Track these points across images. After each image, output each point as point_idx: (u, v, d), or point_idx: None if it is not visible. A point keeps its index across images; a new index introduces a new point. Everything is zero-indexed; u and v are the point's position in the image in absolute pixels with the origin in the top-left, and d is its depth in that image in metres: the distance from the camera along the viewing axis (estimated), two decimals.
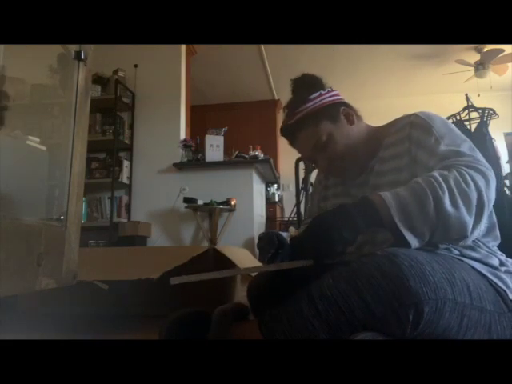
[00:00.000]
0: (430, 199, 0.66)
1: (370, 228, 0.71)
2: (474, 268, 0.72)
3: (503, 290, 0.71)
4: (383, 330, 0.63)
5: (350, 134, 0.91)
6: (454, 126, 0.84)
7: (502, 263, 0.78)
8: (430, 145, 0.79)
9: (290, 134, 0.94)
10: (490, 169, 0.72)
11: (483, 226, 0.69)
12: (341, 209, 0.71)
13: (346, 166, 0.92)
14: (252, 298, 0.98)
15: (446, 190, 0.66)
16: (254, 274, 1.06)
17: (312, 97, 0.91)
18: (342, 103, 0.94)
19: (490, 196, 0.69)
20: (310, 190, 3.85)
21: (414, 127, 0.83)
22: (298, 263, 0.74)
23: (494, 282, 0.72)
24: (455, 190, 0.66)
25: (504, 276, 0.74)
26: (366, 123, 0.97)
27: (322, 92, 0.92)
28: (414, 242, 0.67)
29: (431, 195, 0.66)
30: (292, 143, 0.96)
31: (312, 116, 0.90)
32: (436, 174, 0.69)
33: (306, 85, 0.95)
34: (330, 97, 0.93)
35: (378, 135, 0.92)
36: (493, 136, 3.40)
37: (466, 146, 0.77)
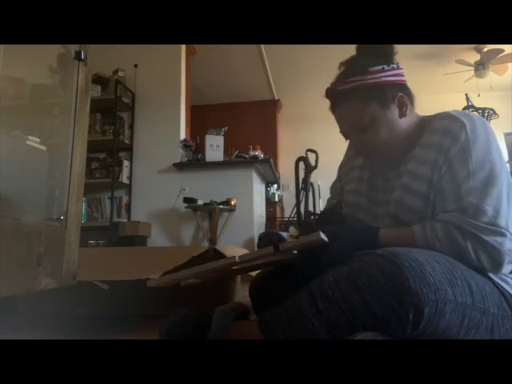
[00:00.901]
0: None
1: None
2: (477, 268, 0.72)
3: (508, 292, 0.71)
4: (383, 329, 0.63)
5: (394, 127, 0.83)
6: (495, 149, 0.76)
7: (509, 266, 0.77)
8: (458, 179, 0.75)
9: (335, 99, 0.86)
10: (502, 234, 0.70)
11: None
12: (367, 233, 0.78)
13: (377, 156, 0.87)
14: (254, 296, 0.98)
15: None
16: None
17: (372, 69, 0.82)
18: (402, 86, 0.86)
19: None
20: (310, 190, 3.84)
21: (455, 142, 0.76)
22: (262, 251, 0.75)
23: (500, 285, 0.72)
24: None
25: (509, 279, 0.74)
26: (416, 113, 0.89)
27: (386, 67, 0.83)
28: None
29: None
30: (332, 109, 0.88)
31: (364, 92, 0.82)
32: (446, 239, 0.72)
33: (374, 50, 0.85)
34: (392, 76, 0.83)
35: (418, 129, 0.85)
36: None
37: (493, 197, 0.72)
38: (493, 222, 0.70)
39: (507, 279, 0.74)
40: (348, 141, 0.93)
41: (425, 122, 0.85)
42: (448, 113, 0.82)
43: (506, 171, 0.76)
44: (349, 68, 0.85)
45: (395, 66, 0.85)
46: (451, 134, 0.77)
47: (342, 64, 0.87)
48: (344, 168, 1.06)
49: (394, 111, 0.84)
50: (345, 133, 0.89)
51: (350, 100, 0.83)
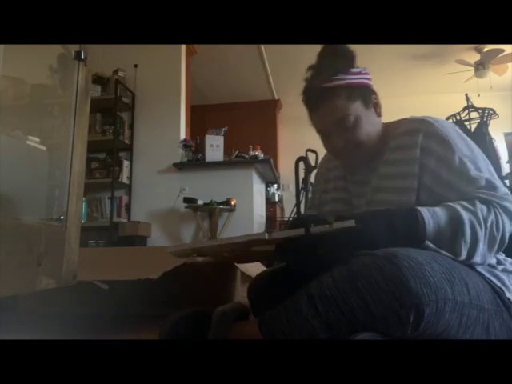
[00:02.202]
0: (466, 238, 0.71)
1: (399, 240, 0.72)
2: (470, 266, 0.72)
3: (500, 287, 0.72)
4: (383, 330, 0.63)
5: (373, 125, 0.88)
6: (465, 136, 0.83)
7: (499, 262, 0.78)
8: (455, 164, 0.78)
9: (318, 98, 0.86)
10: None
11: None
12: (390, 216, 0.74)
13: (357, 155, 0.88)
14: (252, 297, 0.98)
15: (482, 234, 0.71)
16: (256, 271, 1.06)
17: (355, 70, 0.86)
18: (373, 89, 0.90)
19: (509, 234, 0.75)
20: (310, 190, 3.84)
21: (428, 137, 0.82)
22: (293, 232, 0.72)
23: (491, 280, 0.72)
24: (488, 235, 0.72)
25: (501, 274, 0.74)
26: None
27: (363, 71, 0.87)
28: None
29: (470, 235, 0.71)
30: (314, 109, 0.89)
31: (350, 90, 0.84)
32: (478, 210, 0.72)
33: (349, 54, 0.87)
34: (368, 79, 0.88)
35: (385, 134, 0.90)
36: (493, 136, 3.41)
37: (493, 171, 0.79)
38: (506, 193, 0.76)
39: (497, 273, 0.74)
40: (325, 142, 0.92)
41: (388, 127, 0.91)
42: (410, 117, 0.89)
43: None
44: (330, 66, 0.86)
45: (366, 70, 0.89)
46: (419, 131, 0.83)
47: (312, 67, 0.89)
48: (319, 182, 1.09)
49: (373, 110, 0.89)
50: (327, 129, 0.89)
51: (335, 97, 0.84)
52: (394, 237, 0.71)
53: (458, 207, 0.73)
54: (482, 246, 0.71)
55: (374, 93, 0.89)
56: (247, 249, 0.83)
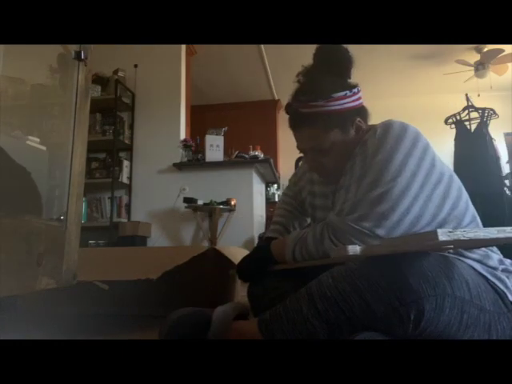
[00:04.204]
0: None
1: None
2: (472, 268, 0.72)
3: (502, 290, 0.71)
4: (384, 329, 0.63)
5: (349, 147, 0.87)
6: (405, 154, 0.77)
7: (500, 262, 0.78)
8: (358, 174, 0.81)
9: (295, 120, 0.88)
10: (379, 226, 0.73)
11: None
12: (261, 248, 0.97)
13: (331, 172, 0.91)
14: (252, 297, 0.98)
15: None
16: None
17: (336, 95, 0.83)
18: (360, 109, 0.89)
19: None
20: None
21: (362, 148, 0.83)
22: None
23: (493, 283, 0.72)
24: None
25: (503, 276, 0.74)
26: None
27: (348, 93, 0.84)
28: None
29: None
30: (292, 127, 0.90)
31: (326, 119, 0.84)
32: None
33: (339, 69, 0.87)
34: (353, 101, 0.85)
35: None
36: (493, 136, 3.41)
37: (372, 199, 0.75)
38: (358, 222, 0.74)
39: (501, 276, 0.74)
40: (304, 157, 0.98)
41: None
42: (381, 122, 0.86)
43: (425, 175, 0.76)
44: (311, 89, 0.85)
45: (356, 90, 0.86)
46: (365, 142, 0.83)
47: (301, 75, 0.89)
48: (301, 179, 1.10)
49: (352, 133, 0.87)
50: (302, 150, 0.92)
51: (312, 124, 0.85)
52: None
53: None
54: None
55: (358, 113, 0.87)
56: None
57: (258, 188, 3.97)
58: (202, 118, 5.81)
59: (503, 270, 0.76)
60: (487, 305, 0.68)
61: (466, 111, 3.49)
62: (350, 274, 0.65)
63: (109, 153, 3.73)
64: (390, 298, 0.61)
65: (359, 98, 0.87)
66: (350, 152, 0.88)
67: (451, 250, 0.74)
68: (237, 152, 3.81)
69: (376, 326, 0.63)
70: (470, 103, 3.50)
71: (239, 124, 5.68)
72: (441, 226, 0.76)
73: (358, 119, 0.87)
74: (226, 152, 3.74)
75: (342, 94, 0.83)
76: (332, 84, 0.84)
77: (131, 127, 3.90)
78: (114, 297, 1.27)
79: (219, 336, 0.74)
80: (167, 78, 3.95)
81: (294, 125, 0.89)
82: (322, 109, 0.83)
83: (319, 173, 0.95)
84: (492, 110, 3.39)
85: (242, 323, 0.78)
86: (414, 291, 0.60)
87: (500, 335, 0.68)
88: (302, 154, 0.97)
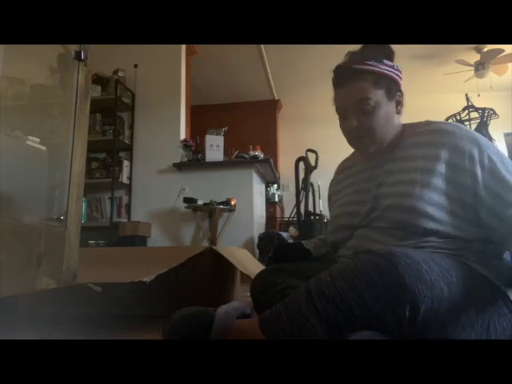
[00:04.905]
0: None
1: None
2: (472, 268, 0.72)
3: (503, 291, 0.71)
4: (381, 327, 0.63)
5: (391, 120, 0.89)
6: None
7: (504, 265, 0.77)
8: (487, 165, 0.78)
9: (346, 74, 0.88)
10: None
11: None
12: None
13: (367, 142, 0.89)
14: (255, 295, 0.98)
15: None
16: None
17: (387, 62, 0.88)
18: (400, 87, 0.92)
19: None
20: (310, 190, 3.85)
21: (455, 136, 0.82)
22: None
23: (493, 283, 0.72)
24: None
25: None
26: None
27: (396, 67, 0.89)
28: None
29: None
30: (338, 86, 0.90)
31: (377, 77, 0.86)
32: None
33: (389, 50, 0.91)
34: (398, 76, 0.90)
35: (402, 132, 0.92)
36: (493, 136, 3.41)
37: None
38: None
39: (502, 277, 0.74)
40: (341, 122, 0.93)
41: (407, 127, 0.92)
42: (430, 120, 0.90)
43: None
44: (365, 53, 0.89)
45: (399, 68, 0.91)
46: (448, 132, 0.83)
47: (351, 52, 0.91)
48: (331, 186, 1.11)
49: (393, 105, 0.90)
50: (344, 109, 0.90)
51: (363, 79, 0.86)
52: None
53: None
54: None
55: (399, 90, 0.91)
56: None
57: (258, 188, 3.97)
58: (202, 117, 5.81)
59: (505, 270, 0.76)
60: (486, 305, 0.68)
61: (466, 111, 3.50)
62: (349, 272, 0.65)
63: (109, 153, 3.73)
64: (386, 296, 0.61)
65: (401, 77, 0.92)
66: (393, 127, 0.89)
67: (450, 252, 0.74)
68: (237, 152, 3.81)
69: (373, 324, 0.63)
70: (470, 103, 3.50)
71: (239, 124, 5.68)
72: None
73: (399, 93, 0.91)
74: (226, 152, 3.75)
75: (391, 63, 0.89)
76: (383, 53, 0.89)
77: (131, 127, 3.90)
78: (113, 297, 1.27)
79: (221, 335, 0.74)
80: (167, 77, 3.94)
81: (342, 80, 0.89)
82: (374, 68, 0.87)
83: (360, 139, 0.91)
84: (492, 110, 3.40)
85: (244, 322, 0.78)
86: (409, 291, 0.60)
87: (499, 335, 0.68)
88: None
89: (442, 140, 0.82)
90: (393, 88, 0.89)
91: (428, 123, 0.89)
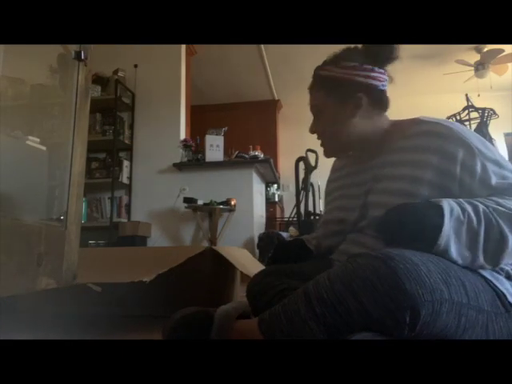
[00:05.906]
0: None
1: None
2: (471, 269, 0.72)
3: (501, 291, 0.71)
4: (380, 331, 0.63)
5: (345, 123, 0.88)
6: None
7: (501, 268, 0.77)
8: (479, 173, 0.76)
9: (312, 80, 0.95)
10: None
11: None
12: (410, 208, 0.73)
13: (326, 148, 0.94)
14: (252, 297, 0.98)
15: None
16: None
17: (344, 64, 0.87)
18: (369, 88, 0.87)
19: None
20: (310, 190, 3.85)
21: (443, 139, 0.79)
22: None
23: (492, 283, 0.72)
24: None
25: (503, 278, 0.74)
26: (387, 118, 0.92)
27: (358, 66, 0.86)
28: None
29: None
30: (308, 88, 0.96)
31: (328, 83, 0.89)
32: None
33: (366, 50, 0.88)
34: (361, 76, 0.86)
35: (389, 135, 0.89)
36: (493, 136, 3.41)
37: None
38: None
39: (499, 277, 0.73)
40: None
41: (396, 128, 0.89)
42: (422, 118, 0.86)
43: None
44: (331, 57, 0.92)
45: (369, 67, 0.86)
46: (430, 133, 0.81)
47: (334, 55, 0.94)
48: (327, 186, 1.11)
49: (349, 108, 0.88)
50: (311, 111, 0.97)
51: (318, 85, 0.92)
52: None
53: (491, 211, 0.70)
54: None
55: (362, 91, 0.86)
56: None
57: (258, 188, 3.97)
58: (202, 117, 5.80)
59: (507, 274, 0.75)
60: (485, 305, 0.67)
61: (466, 111, 3.50)
62: (347, 277, 0.65)
63: (109, 153, 3.73)
64: (385, 301, 0.60)
65: (372, 78, 0.87)
66: (353, 131, 0.89)
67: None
68: (237, 152, 3.81)
69: (373, 327, 0.63)
70: (470, 103, 3.50)
71: (239, 124, 5.67)
72: None
73: (360, 95, 0.87)
74: (226, 152, 3.75)
75: (350, 64, 0.87)
76: (349, 56, 0.89)
77: (131, 127, 3.90)
78: (113, 297, 1.27)
79: (221, 335, 0.74)
80: (167, 77, 3.95)
81: (310, 85, 0.95)
82: (327, 73, 0.90)
83: (321, 143, 0.96)
84: (492, 110, 3.40)
85: (243, 323, 0.78)
86: (409, 296, 0.59)
87: (497, 335, 0.68)
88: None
89: (431, 144, 0.80)
90: (347, 90, 0.87)
91: (419, 123, 0.85)
